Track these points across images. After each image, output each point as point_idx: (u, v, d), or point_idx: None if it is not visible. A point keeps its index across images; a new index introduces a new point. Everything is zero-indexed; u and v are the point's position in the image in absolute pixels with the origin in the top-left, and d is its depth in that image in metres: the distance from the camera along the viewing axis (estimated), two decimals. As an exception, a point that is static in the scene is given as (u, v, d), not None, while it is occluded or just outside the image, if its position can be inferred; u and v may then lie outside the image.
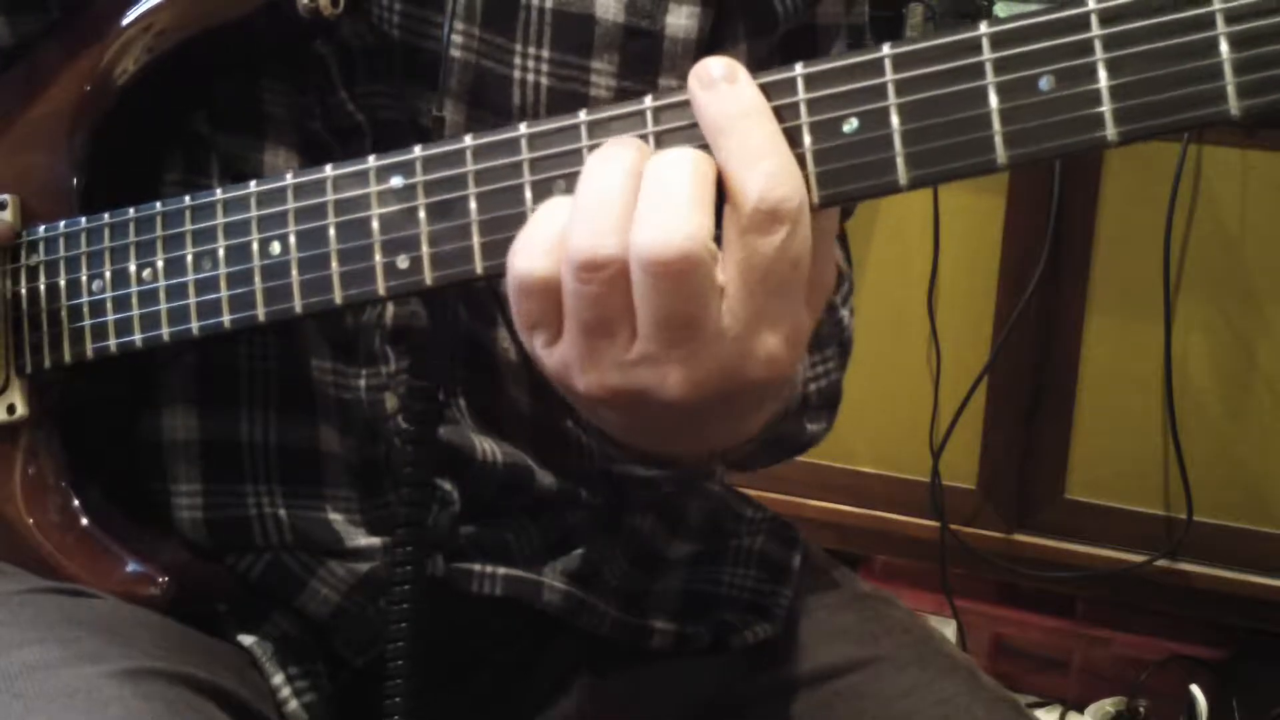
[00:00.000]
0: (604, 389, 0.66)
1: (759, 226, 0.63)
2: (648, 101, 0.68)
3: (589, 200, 0.65)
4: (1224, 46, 0.58)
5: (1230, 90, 0.58)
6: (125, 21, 0.82)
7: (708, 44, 0.89)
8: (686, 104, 0.67)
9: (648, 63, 0.88)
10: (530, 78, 0.87)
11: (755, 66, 0.65)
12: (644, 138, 0.67)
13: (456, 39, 0.85)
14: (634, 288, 0.64)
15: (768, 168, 0.63)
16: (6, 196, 0.85)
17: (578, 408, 0.73)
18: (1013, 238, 2.15)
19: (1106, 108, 0.60)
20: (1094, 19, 0.60)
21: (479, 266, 0.71)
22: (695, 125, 0.66)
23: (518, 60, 0.86)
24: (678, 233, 0.62)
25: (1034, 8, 0.61)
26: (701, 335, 0.64)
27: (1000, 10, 2.01)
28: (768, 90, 0.65)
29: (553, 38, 0.86)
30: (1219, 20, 0.58)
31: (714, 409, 0.67)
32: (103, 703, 0.70)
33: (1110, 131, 0.60)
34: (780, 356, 0.66)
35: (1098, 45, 0.60)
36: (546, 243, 0.66)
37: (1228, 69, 0.58)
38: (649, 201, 0.64)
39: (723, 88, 0.65)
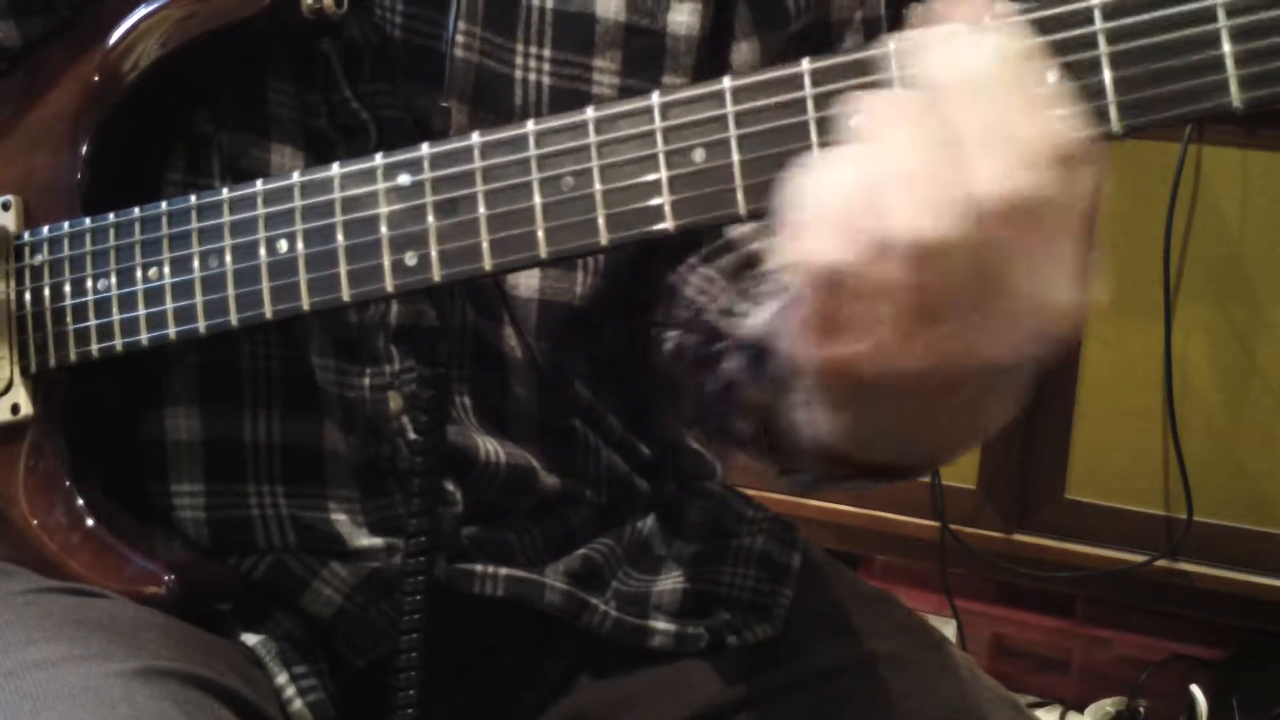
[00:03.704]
0: (927, 361, 0.59)
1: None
2: (655, 98, 0.68)
3: (899, 173, 0.57)
4: (1225, 39, 0.59)
5: (1232, 83, 0.59)
6: (130, 23, 0.83)
7: (710, 39, 0.89)
8: (696, 100, 0.67)
9: (651, 61, 0.88)
10: (532, 77, 0.87)
11: (768, 61, 0.65)
12: (651, 134, 0.68)
13: (458, 39, 0.85)
14: (974, 245, 0.56)
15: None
16: (10, 197, 0.86)
17: (840, 401, 0.66)
18: (1013, 238, 2.15)
19: (1111, 101, 0.60)
20: (1097, 14, 0.60)
21: (487, 263, 0.71)
22: (707, 120, 0.66)
23: (519, 60, 0.87)
24: (1025, 165, 0.56)
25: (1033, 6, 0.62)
26: (1023, 286, 0.58)
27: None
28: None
29: (554, 37, 0.87)
30: (1220, 14, 0.59)
31: (1013, 374, 0.62)
32: (110, 702, 0.70)
33: (1115, 125, 0.61)
34: (1075, 307, 0.61)
35: (1101, 40, 0.60)
36: (842, 222, 0.57)
37: (1229, 62, 0.59)
38: (976, 144, 0.56)
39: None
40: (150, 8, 0.82)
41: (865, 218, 0.57)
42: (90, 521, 0.83)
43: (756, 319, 0.80)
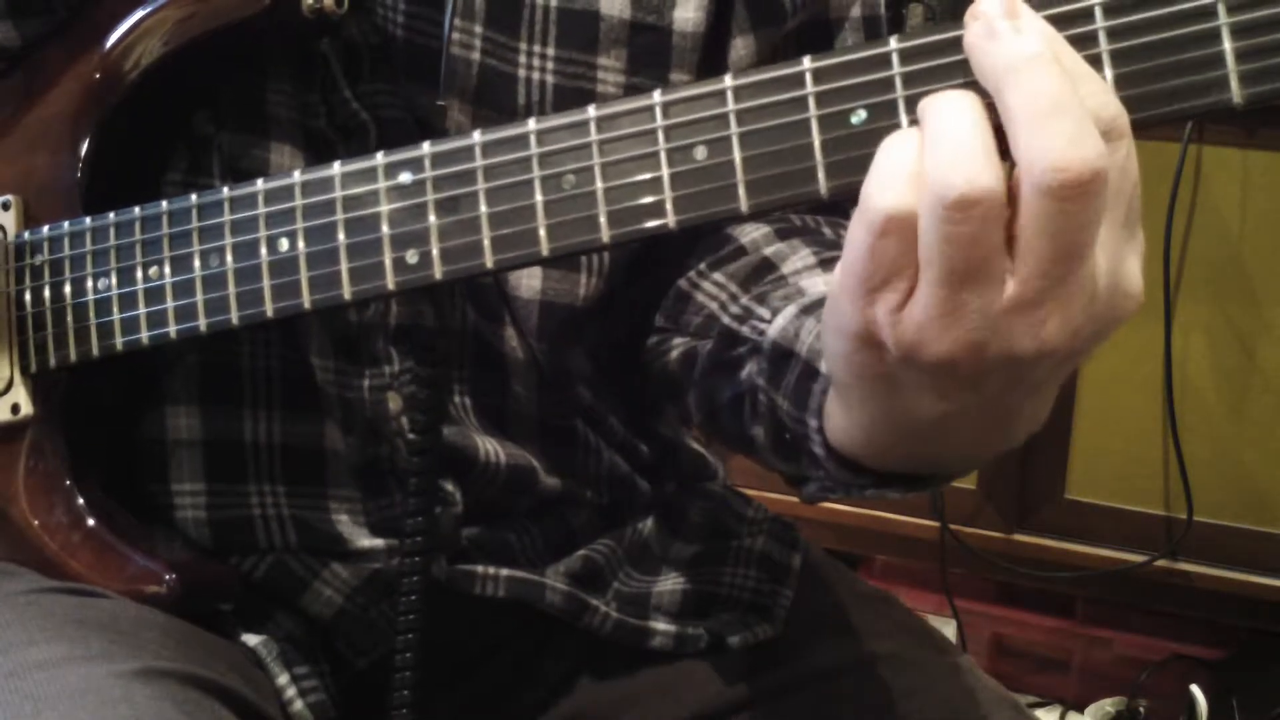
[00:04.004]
0: (970, 346, 0.59)
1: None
2: (656, 96, 0.68)
3: (950, 130, 0.58)
4: (1226, 35, 0.59)
5: (1233, 79, 0.59)
6: (129, 24, 0.83)
7: (708, 36, 0.89)
8: (697, 98, 0.67)
9: (657, 58, 0.88)
10: (535, 76, 0.87)
11: (765, 58, 0.65)
12: (652, 132, 0.67)
13: (460, 38, 0.85)
14: (1022, 218, 0.57)
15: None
16: (10, 197, 0.86)
17: (864, 394, 0.66)
18: (1013, 238, 2.15)
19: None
20: (1098, 10, 0.60)
21: (489, 261, 0.71)
22: (709, 118, 0.66)
23: (522, 59, 0.87)
24: (1088, 146, 0.56)
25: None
26: (1084, 269, 0.58)
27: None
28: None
29: (558, 35, 0.86)
30: (1221, 10, 0.59)
31: (1065, 367, 0.62)
32: (111, 702, 0.70)
33: None
34: (1138, 290, 0.61)
35: (1102, 36, 0.60)
36: (906, 176, 0.59)
37: (1230, 58, 0.59)
38: (1038, 113, 0.56)
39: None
40: (149, 8, 0.82)
41: (918, 175, 0.58)
42: (91, 521, 0.83)
43: (777, 323, 0.80)
